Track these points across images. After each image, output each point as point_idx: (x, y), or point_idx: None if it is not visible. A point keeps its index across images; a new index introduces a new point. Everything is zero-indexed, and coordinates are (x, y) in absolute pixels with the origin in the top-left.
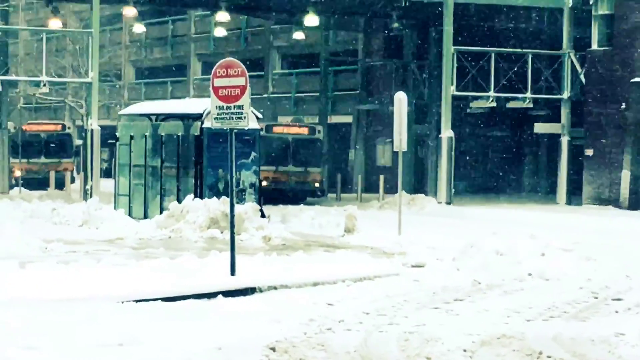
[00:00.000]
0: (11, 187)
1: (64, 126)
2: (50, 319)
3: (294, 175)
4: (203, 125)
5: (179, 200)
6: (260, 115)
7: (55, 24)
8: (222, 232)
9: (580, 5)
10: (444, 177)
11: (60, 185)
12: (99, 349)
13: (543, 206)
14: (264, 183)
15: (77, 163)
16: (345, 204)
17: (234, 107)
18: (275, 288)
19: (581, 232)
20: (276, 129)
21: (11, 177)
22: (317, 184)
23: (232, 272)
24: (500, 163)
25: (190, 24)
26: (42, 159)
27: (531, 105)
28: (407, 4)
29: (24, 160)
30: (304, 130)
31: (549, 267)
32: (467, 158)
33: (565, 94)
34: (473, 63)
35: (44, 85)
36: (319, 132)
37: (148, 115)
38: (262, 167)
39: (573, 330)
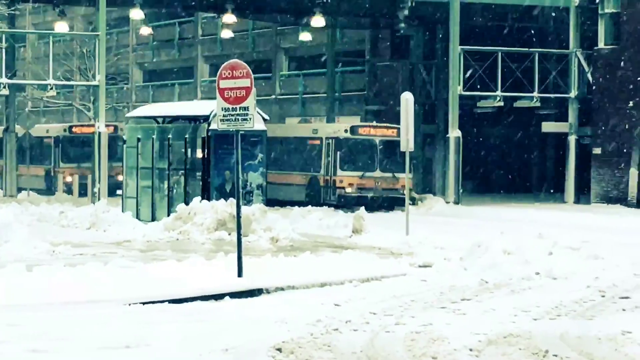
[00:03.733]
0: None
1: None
2: (57, 322)
3: (382, 182)
4: (210, 127)
5: (187, 202)
6: (266, 117)
7: (62, 27)
8: (229, 234)
9: (587, 4)
10: (451, 177)
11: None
12: (106, 351)
13: (551, 205)
14: (349, 190)
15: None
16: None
17: (240, 109)
18: (282, 289)
19: (589, 231)
20: (362, 131)
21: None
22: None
23: (240, 274)
24: (508, 162)
25: (197, 26)
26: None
27: (538, 105)
28: (414, 4)
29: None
30: (393, 132)
31: (556, 266)
32: (475, 158)
33: (573, 93)
34: (480, 63)
35: (51, 88)
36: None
37: (155, 118)
38: (346, 173)
39: (580, 328)
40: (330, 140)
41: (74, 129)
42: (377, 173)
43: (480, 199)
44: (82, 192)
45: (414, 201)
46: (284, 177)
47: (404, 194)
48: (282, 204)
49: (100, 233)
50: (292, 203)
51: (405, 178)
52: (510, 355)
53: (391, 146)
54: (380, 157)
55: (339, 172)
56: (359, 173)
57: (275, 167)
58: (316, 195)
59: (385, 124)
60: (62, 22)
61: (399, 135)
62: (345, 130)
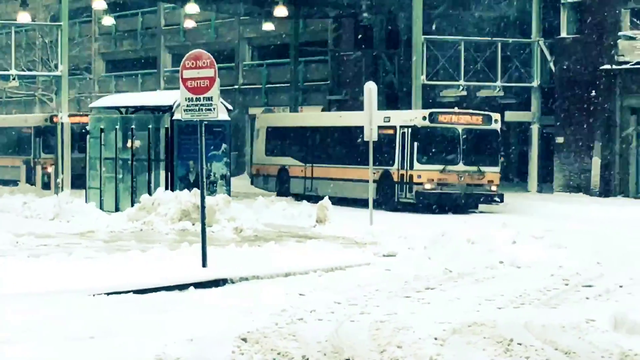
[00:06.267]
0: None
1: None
2: (21, 313)
3: (466, 177)
4: (173, 117)
5: (150, 193)
6: (230, 107)
7: (24, 17)
8: (193, 224)
9: None
10: None
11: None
12: (71, 342)
13: (514, 194)
14: (428, 186)
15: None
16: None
17: (203, 99)
18: (246, 279)
19: (552, 220)
20: (443, 118)
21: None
22: (494, 187)
23: (204, 264)
24: None
25: (159, 16)
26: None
27: (501, 94)
28: None
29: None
30: (478, 120)
31: (520, 254)
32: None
33: (535, 82)
34: (443, 52)
35: (14, 79)
36: (496, 121)
37: (118, 108)
38: (425, 167)
39: (544, 317)
40: (405, 130)
41: (55, 119)
42: (461, 166)
43: None
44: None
45: (501, 198)
46: (348, 172)
47: (493, 191)
48: (347, 202)
49: (63, 224)
50: (359, 202)
51: (370, 167)
52: (475, 344)
53: (476, 136)
54: (464, 148)
55: (417, 165)
56: (440, 167)
57: (337, 161)
58: (389, 192)
59: (469, 110)
60: (24, 13)
61: (485, 123)
62: (424, 118)
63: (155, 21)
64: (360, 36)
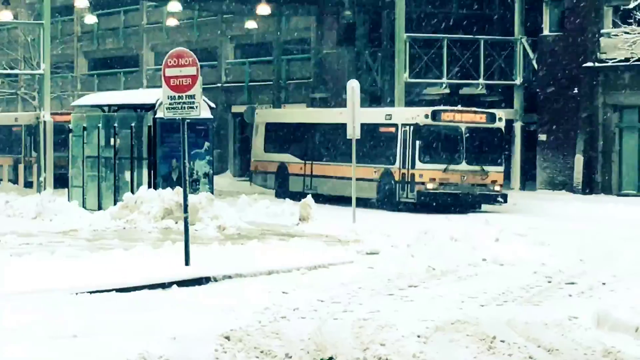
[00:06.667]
0: None
1: None
2: (3, 312)
3: (469, 176)
4: (156, 116)
5: (133, 191)
6: (212, 105)
7: (6, 15)
8: (176, 222)
9: None
10: None
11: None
12: (54, 340)
13: None
14: (430, 186)
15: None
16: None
17: (186, 97)
18: (229, 277)
19: (535, 217)
20: (446, 116)
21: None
22: (497, 187)
23: (187, 262)
24: None
25: (142, 14)
26: None
27: (484, 92)
28: None
29: None
30: (481, 118)
31: (503, 252)
32: None
33: (518, 80)
34: (426, 50)
35: None
36: (500, 119)
37: (101, 107)
38: (427, 166)
39: (527, 314)
40: (407, 128)
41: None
42: (464, 166)
43: None
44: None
45: (505, 199)
46: (348, 170)
47: (496, 191)
48: (346, 201)
49: (46, 222)
50: (359, 202)
51: (353, 165)
52: (458, 342)
53: (479, 134)
54: (467, 146)
55: (418, 164)
56: (442, 166)
57: (337, 158)
58: (390, 192)
59: (472, 108)
60: (6, 11)
61: (488, 121)
62: (426, 116)
63: (138, 19)
64: (343, 34)
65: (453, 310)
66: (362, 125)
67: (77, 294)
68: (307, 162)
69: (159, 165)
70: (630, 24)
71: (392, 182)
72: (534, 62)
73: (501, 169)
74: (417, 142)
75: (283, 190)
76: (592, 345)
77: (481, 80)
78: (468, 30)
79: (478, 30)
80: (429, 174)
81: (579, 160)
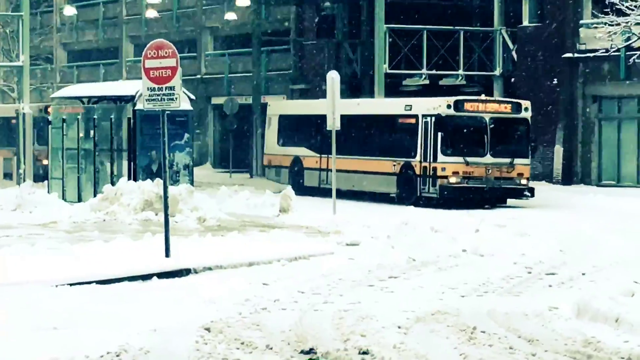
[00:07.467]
0: None
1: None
2: None
3: (494, 170)
4: (135, 107)
5: (113, 183)
6: (192, 97)
7: None
8: (156, 214)
9: None
10: None
11: None
12: (34, 333)
13: None
14: (452, 180)
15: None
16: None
17: (165, 89)
18: (210, 269)
19: (515, 208)
20: (469, 106)
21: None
22: (524, 181)
23: (167, 254)
24: None
25: (121, 6)
26: None
27: (464, 82)
28: None
29: None
30: (507, 108)
31: (483, 243)
32: None
33: (498, 71)
34: (405, 40)
35: None
36: (526, 109)
37: (80, 98)
38: (450, 159)
39: (507, 305)
40: (428, 119)
41: (49, 109)
42: (488, 158)
43: None
44: None
45: (532, 192)
46: (366, 163)
47: (523, 185)
48: (363, 196)
49: (26, 215)
50: (378, 197)
51: (333, 156)
52: (438, 332)
53: (505, 125)
54: (492, 138)
55: (441, 157)
56: (466, 159)
57: (353, 151)
58: (410, 186)
59: (497, 98)
60: None
61: (514, 111)
62: (448, 106)
63: (117, 11)
64: (322, 25)
65: (433, 301)
66: (381, 116)
67: (57, 286)
68: (323, 155)
69: (138, 157)
70: (608, 14)
71: (413, 176)
72: (513, 53)
73: (528, 161)
74: (439, 134)
75: (298, 185)
76: (572, 335)
77: (461, 71)
78: (448, 21)
79: (458, 21)
80: (452, 168)
81: (558, 151)
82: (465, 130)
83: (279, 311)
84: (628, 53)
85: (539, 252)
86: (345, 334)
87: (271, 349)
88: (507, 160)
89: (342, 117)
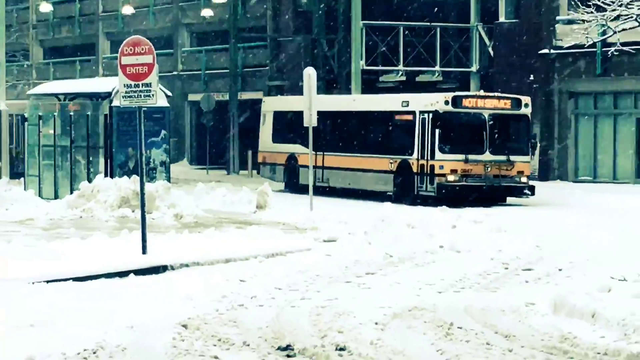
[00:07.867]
0: None
1: None
2: None
3: (493, 167)
4: (112, 104)
5: (90, 180)
6: (169, 93)
7: None
8: (133, 211)
9: None
10: None
11: None
12: (10, 330)
13: None
14: (451, 178)
15: None
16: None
17: (142, 85)
18: (187, 266)
19: (492, 204)
20: (467, 102)
21: None
22: (524, 179)
23: (144, 251)
24: None
25: (97, 2)
26: None
27: (441, 79)
28: None
29: None
30: (506, 104)
31: (460, 239)
32: None
33: (474, 67)
34: (382, 37)
35: None
36: (526, 105)
37: (57, 95)
38: (448, 157)
39: (484, 301)
40: (426, 115)
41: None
42: (487, 156)
43: None
44: None
45: (532, 191)
46: (363, 161)
47: (523, 182)
48: (359, 195)
49: (2, 211)
50: (374, 195)
51: (310, 153)
52: (415, 328)
53: (504, 122)
54: (491, 135)
55: (438, 155)
56: (464, 156)
57: (349, 149)
58: (407, 185)
59: (496, 94)
60: None
61: (513, 107)
62: (446, 102)
63: (93, 7)
64: (299, 22)
65: (410, 297)
66: (377, 112)
67: (33, 283)
68: (318, 153)
69: (115, 153)
70: (578, 6)
71: (410, 174)
72: (489, 49)
73: (528, 158)
74: (437, 131)
75: (292, 183)
76: (549, 331)
77: (437, 68)
78: (424, 17)
79: (434, 17)
80: (450, 165)
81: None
82: (463, 127)
83: (256, 308)
84: (604, 49)
85: (515, 248)
86: (323, 330)
87: (248, 345)
88: (507, 157)
89: (338, 113)
